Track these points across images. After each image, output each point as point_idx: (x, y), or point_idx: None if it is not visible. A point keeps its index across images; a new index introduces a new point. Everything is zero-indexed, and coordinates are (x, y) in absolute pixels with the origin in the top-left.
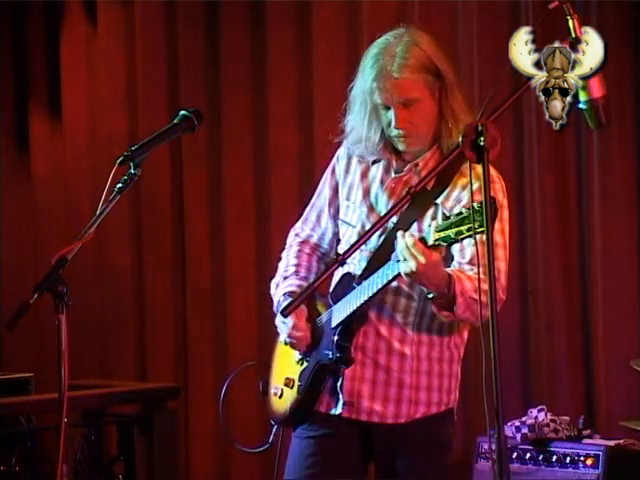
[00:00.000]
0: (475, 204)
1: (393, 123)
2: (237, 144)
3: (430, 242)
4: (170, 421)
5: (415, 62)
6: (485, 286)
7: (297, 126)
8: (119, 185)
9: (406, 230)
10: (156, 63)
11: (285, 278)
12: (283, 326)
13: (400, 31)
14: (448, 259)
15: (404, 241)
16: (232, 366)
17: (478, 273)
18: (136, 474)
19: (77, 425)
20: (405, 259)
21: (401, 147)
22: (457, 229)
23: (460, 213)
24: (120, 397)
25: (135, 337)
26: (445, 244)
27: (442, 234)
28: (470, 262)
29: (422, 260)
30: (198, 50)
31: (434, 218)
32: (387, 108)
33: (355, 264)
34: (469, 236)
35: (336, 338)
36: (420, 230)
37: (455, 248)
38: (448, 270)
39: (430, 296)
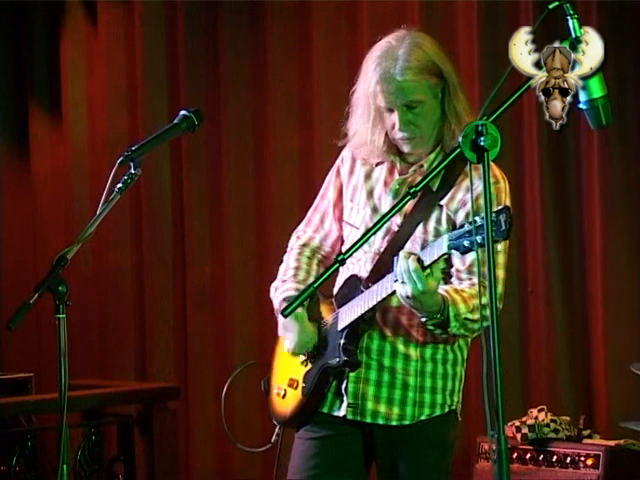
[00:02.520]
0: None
1: (397, 126)
2: (237, 144)
3: (427, 262)
4: (170, 421)
5: (418, 64)
6: (484, 300)
7: (297, 126)
8: (119, 185)
9: (411, 233)
10: (156, 63)
11: (284, 282)
12: (287, 335)
13: (401, 33)
14: (447, 267)
15: (407, 264)
16: (232, 366)
17: (479, 282)
18: (136, 474)
19: (77, 425)
20: (404, 282)
21: (406, 149)
22: (472, 239)
23: (473, 222)
24: (120, 397)
25: (135, 337)
26: (458, 252)
27: (455, 242)
28: (469, 269)
29: (420, 288)
30: (198, 50)
31: (438, 220)
32: (390, 111)
33: (360, 266)
34: (483, 245)
35: (342, 341)
36: (426, 232)
37: (456, 254)
38: (443, 292)
39: (423, 319)
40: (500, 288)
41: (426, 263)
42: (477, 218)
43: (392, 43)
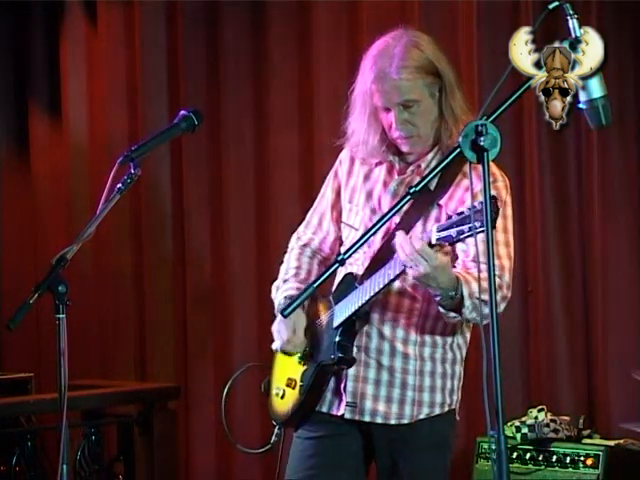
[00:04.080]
0: (476, 203)
1: (394, 125)
2: (237, 144)
3: (433, 242)
4: (170, 421)
5: (414, 63)
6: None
7: (297, 126)
8: (119, 185)
9: (408, 232)
10: (156, 63)
11: (285, 281)
12: (277, 335)
13: (399, 32)
14: (452, 259)
15: (411, 246)
16: (232, 366)
17: (479, 272)
18: (136, 474)
19: (77, 425)
20: (415, 264)
21: (404, 149)
22: (458, 228)
23: (462, 212)
24: (120, 397)
25: (135, 337)
26: (447, 243)
27: (444, 233)
28: (474, 260)
29: (433, 262)
30: (198, 50)
31: (437, 220)
32: (387, 110)
33: (358, 265)
34: (470, 235)
35: (338, 339)
36: (424, 231)
37: (459, 247)
38: (455, 272)
39: (437, 299)
40: (507, 277)
41: (433, 242)
42: (464, 209)
43: (389, 42)
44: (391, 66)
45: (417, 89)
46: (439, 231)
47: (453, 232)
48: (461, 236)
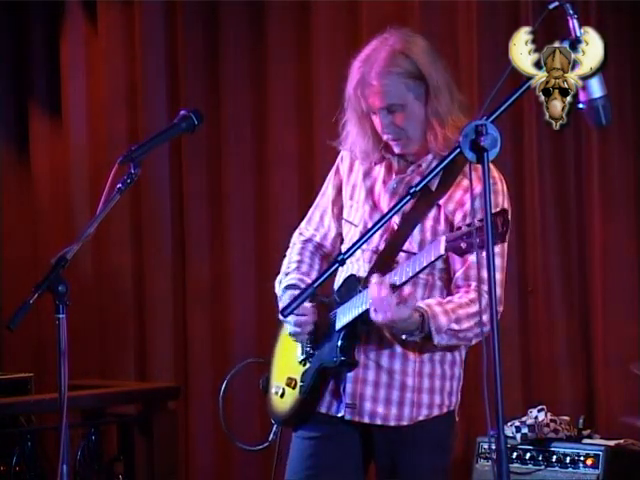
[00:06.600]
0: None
1: (380, 129)
2: (237, 144)
3: (441, 251)
4: (170, 421)
5: (396, 69)
6: (474, 308)
7: (297, 126)
8: (119, 185)
9: (409, 233)
10: (156, 63)
11: (287, 274)
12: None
13: (387, 35)
14: (443, 273)
15: (378, 292)
16: (232, 366)
17: (479, 287)
18: (136, 474)
19: (77, 425)
20: (376, 309)
21: (396, 150)
22: (469, 240)
23: (471, 224)
24: (120, 397)
25: (135, 337)
26: (455, 254)
27: (453, 244)
28: (466, 272)
29: (389, 316)
30: (198, 50)
31: (436, 219)
32: (374, 113)
33: (359, 265)
34: (480, 247)
35: (340, 342)
36: (423, 231)
37: (457, 257)
38: (424, 306)
39: (403, 337)
40: (499, 291)
41: (399, 282)
42: (475, 220)
43: (375, 46)
44: (371, 72)
45: (399, 93)
46: (448, 242)
47: (463, 244)
48: (471, 248)
